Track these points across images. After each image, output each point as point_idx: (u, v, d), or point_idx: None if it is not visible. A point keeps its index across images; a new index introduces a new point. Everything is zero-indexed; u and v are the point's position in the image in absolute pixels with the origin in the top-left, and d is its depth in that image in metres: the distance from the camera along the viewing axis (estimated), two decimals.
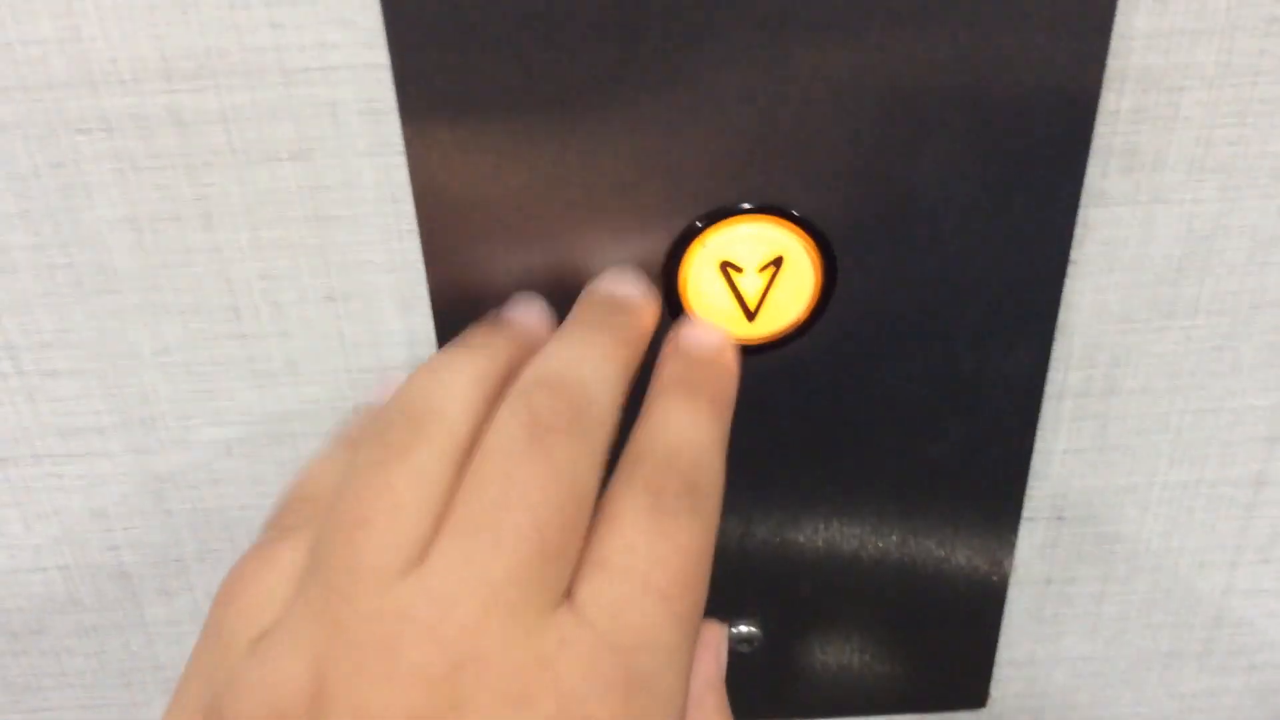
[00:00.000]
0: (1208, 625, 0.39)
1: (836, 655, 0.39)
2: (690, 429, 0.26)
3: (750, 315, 0.31)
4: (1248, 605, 0.39)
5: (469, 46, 0.27)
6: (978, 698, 0.40)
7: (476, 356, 0.26)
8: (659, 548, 0.24)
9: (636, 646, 0.23)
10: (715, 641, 0.29)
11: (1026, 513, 0.36)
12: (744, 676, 0.39)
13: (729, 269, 0.30)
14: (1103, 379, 0.33)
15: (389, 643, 0.22)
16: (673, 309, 0.31)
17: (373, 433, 0.25)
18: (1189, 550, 0.37)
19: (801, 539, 0.36)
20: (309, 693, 0.22)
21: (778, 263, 0.30)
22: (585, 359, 0.26)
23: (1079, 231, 0.31)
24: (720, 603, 0.37)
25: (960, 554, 0.36)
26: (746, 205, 0.30)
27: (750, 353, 0.32)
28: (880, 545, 0.36)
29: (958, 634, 0.38)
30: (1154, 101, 0.29)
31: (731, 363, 0.28)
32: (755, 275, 0.31)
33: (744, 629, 0.38)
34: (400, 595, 0.22)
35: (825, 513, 0.35)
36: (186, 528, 0.35)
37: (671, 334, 0.29)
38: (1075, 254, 0.31)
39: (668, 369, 0.28)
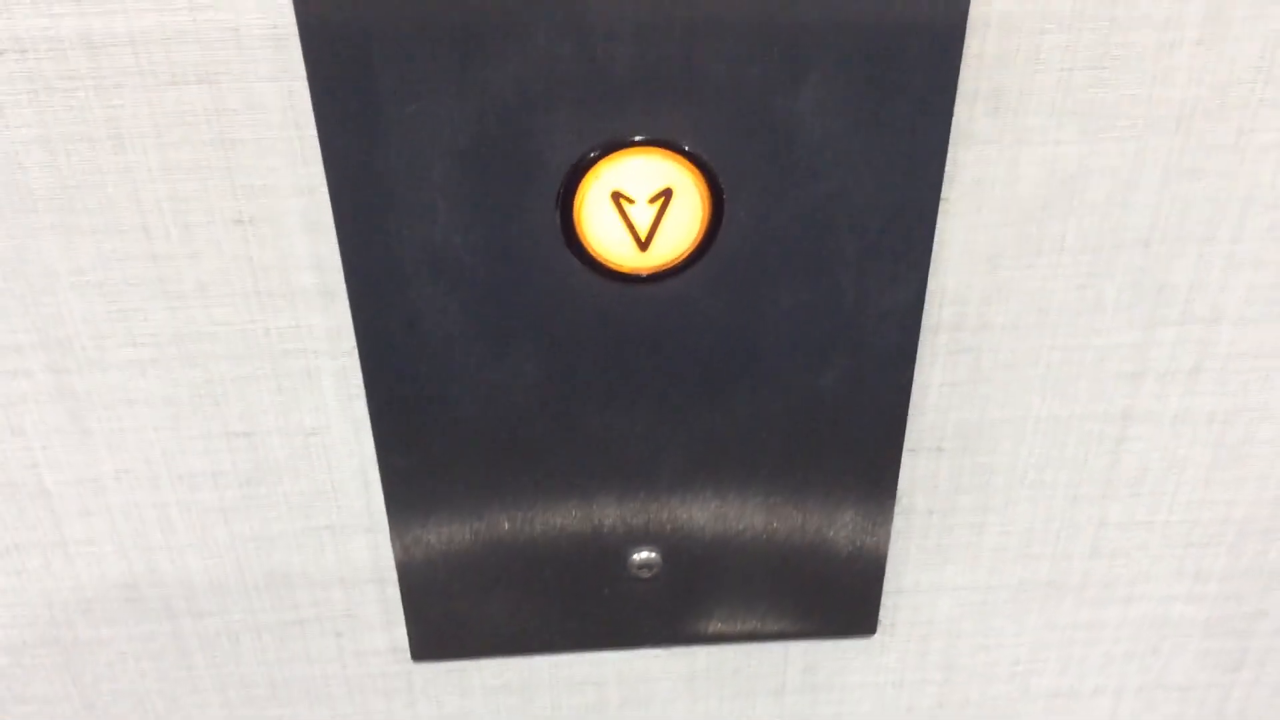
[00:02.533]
0: (1084, 557, 0.41)
1: (732, 583, 0.41)
2: None
3: (643, 245, 0.33)
4: (1121, 537, 0.41)
5: None
6: (867, 625, 0.42)
7: None
8: None
9: None
10: None
11: (908, 444, 0.38)
12: (644, 603, 0.41)
13: (621, 199, 0.32)
14: (975, 314, 0.35)
15: None
16: (569, 239, 0.32)
17: None
18: (1063, 483, 0.39)
19: (696, 468, 0.38)
20: None
21: (667, 194, 0.32)
22: None
23: (949, 170, 0.32)
24: (619, 530, 0.39)
25: (847, 484, 0.38)
26: (638, 138, 0.31)
27: (644, 281, 0.33)
28: (770, 475, 0.38)
29: (846, 563, 0.40)
30: (1015, 45, 0.31)
31: None
32: (646, 206, 0.32)
33: (644, 555, 0.39)
34: None
35: (718, 442, 0.37)
36: (104, 447, 0.36)
37: None
38: (946, 192, 0.33)
39: None
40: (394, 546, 0.39)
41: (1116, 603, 0.43)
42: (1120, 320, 0.35)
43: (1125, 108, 0.32)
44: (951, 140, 0.32)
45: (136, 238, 0.32)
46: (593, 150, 0.31)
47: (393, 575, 0.40)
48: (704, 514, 0.39)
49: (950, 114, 0.31)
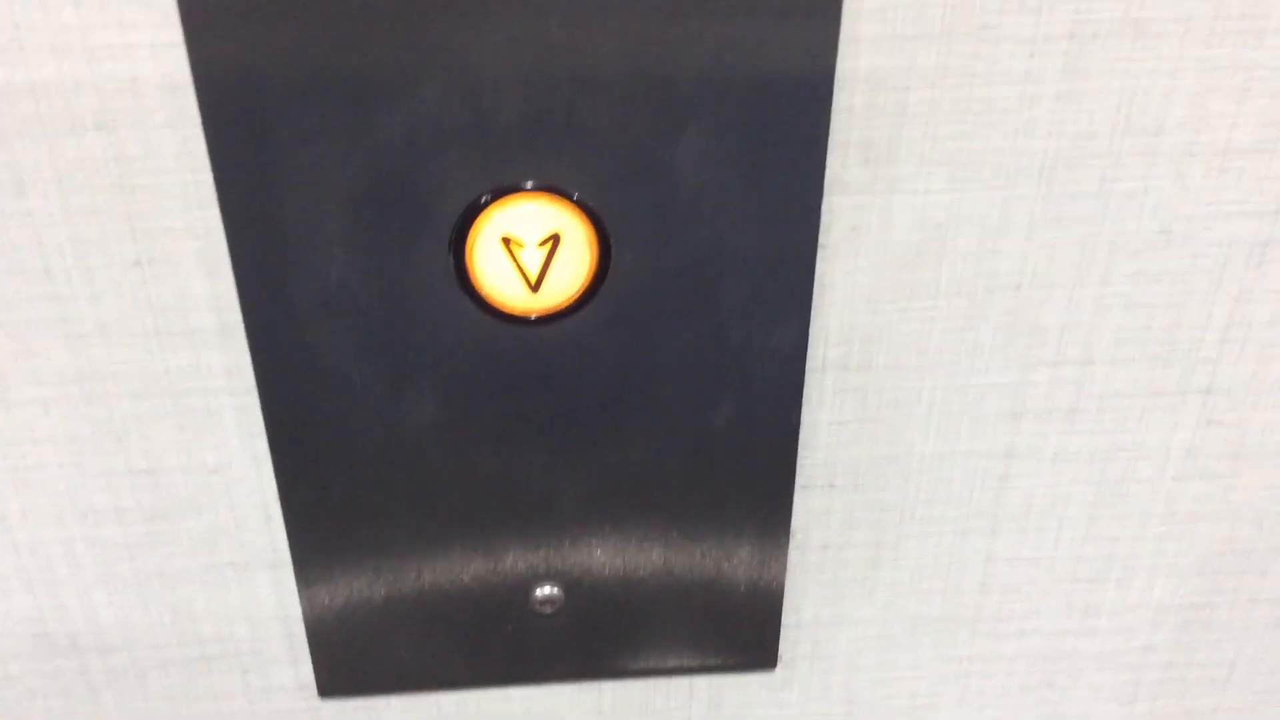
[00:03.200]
0: (975, 591, 0.42)
1: (634, 618, 0.42)
2: None
3: (534, 287, 0.34)
4: (1010, 572, 0.42)
5: (259, 25, 0.30)
6: (768, 659, 0.43)
7: None
8: None
9: None
10: None
11: (801, 480, 0.39)
12: (548, 639, 0.42)
13: (511, 244, 0.33)
14: (859, 355, 0.36)
15: None
16: (462, 281, 0.34)
17: None
18: (950, 518, 0.40)
19: (594, 505, 0.39)
20: None
21: (555, 239, 0.33)
22: None
23: (825, 218, 0.34)
24: (521, 566, 0.40)
25: (741, 520, 0.39)
26: (528, 184, 0.33)
27: (536, 323, 0.35)
28: (666, 511, 0.39)
29: (745, 597, 0.41)
30: (883, 100, 0.32)
31: None
32: (535, 249, 0.33)
33: (546, 591, 0.40)
34: None
35: (615, 480, 0.38)
36: (9, 484, 0.37)
37: None
38: (824, 239, 0.34)
39: None
40: (298, 582, 0.39)
41: (1010, 636, 0.44)
42: (997, 360, 0.37)
43: (990, 158, 0.33)
44: (826, 188, 0.33)
45: (39, 279, 0.33)
46: (483, 195, 0.33)
47: (298, 611, 0.40)
48: (604, 550, 0.40)
49: (823, 164, 0.32)
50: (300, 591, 0.40)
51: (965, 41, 0.31)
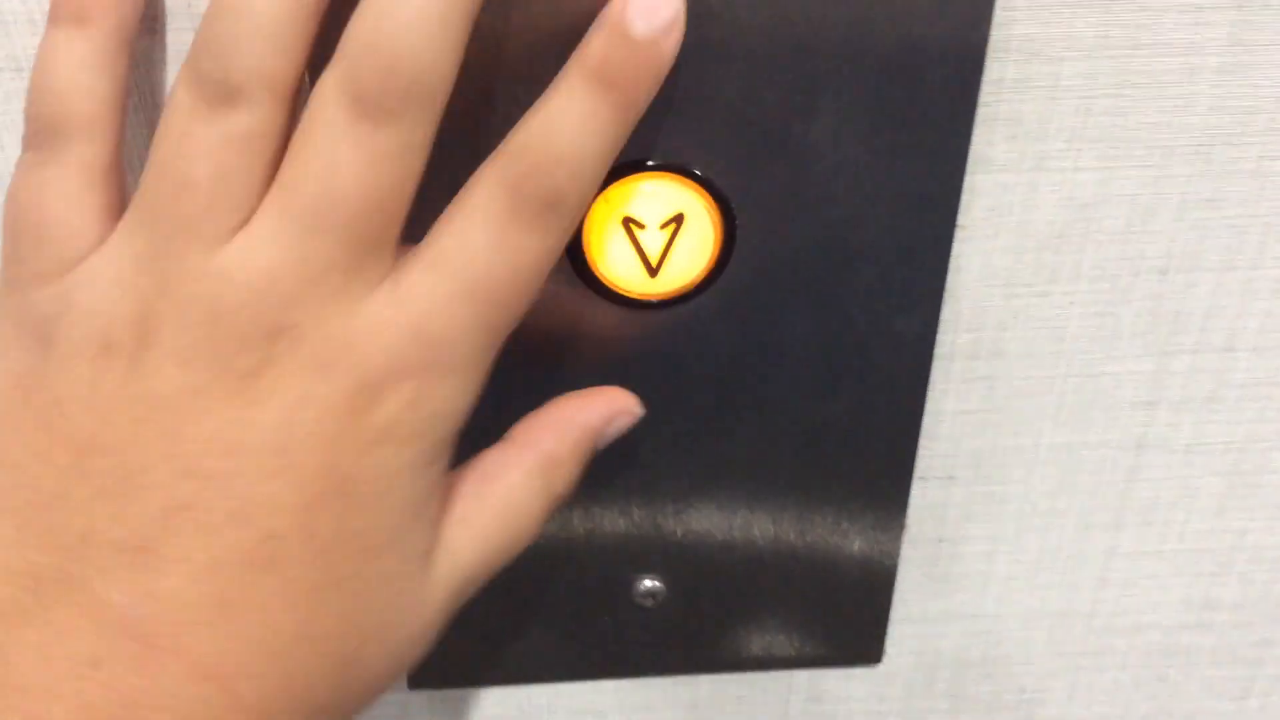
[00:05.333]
0: (1093, 586, 0.41)
1: (737, 611, 0.40)
2: (582, 135, 0.25)
3: (653, 271, 0.32)
4: (1131, 567, 0.40)
5: None
6: (874, 654, 0.42)
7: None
8: (497, 256, 0.25)
9: (441, 342, 0.25)
10: (617, 404, 0.31)
11: (919, 471, 0.37)
12: (648, 631, 0.40)
13: (631, 224, 0.31)
14: (990, 342, 0.34)
15: (213, 301, 0.24)
16: (577, 265, 0.32)
17: (190, 80, 0.25)
18: (1074, 511, 0.39)
19: (702, 495, 0.37)
20: (136, 331, 0.24)
21: (679, 220, 0.31)
22: (416, 19, 0.23)
23: (966, 197, 0.32)
24: (624, 558, 0.38)
25: (855, 513, 0.37)
26: (650, 162, 0.31)
27: (653, 308, 0.33)
28: (778, 502, 0.37)
29: (853, 591, 0.40)
30: (1036, 71, 0.30)
31: (667, 52, 0.25)
32: (657, 231, 0.31)
33: (648, 584, 0.39)
34: (226, 259, 0.24)
35: (725, 469, 0.36)
36: None
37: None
38: (963, 219, 0.32)
39: (590, 47, 0.25)
40: None
41: (1125, 631, 0.42)
42: (1135, 347, 0.35)
43: (1144, 134, 0.31)
44: (969, 166, 0.31)
45: None
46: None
47: None
48: (710, 541, 0.38)
49: (968, 140, 0.30)
50: None
51: (1128, 9, 0.29)
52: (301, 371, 0.24)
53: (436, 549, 0.28)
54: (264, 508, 0.25)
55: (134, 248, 0.25)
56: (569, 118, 0.25)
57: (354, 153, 0.24)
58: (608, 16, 0.25)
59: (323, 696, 0.26)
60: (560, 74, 0.26)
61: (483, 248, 0.25)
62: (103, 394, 0.24)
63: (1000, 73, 0.30)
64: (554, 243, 0.26)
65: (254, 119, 0.24)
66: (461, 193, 0.26)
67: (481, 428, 0.34)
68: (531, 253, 0.26)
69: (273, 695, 0.25)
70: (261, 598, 0.25)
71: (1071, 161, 0.31)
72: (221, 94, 0.24)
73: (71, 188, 0.25)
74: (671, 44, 0.25)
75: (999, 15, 0.29)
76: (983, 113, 0.31)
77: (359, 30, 0.24)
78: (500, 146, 0.26)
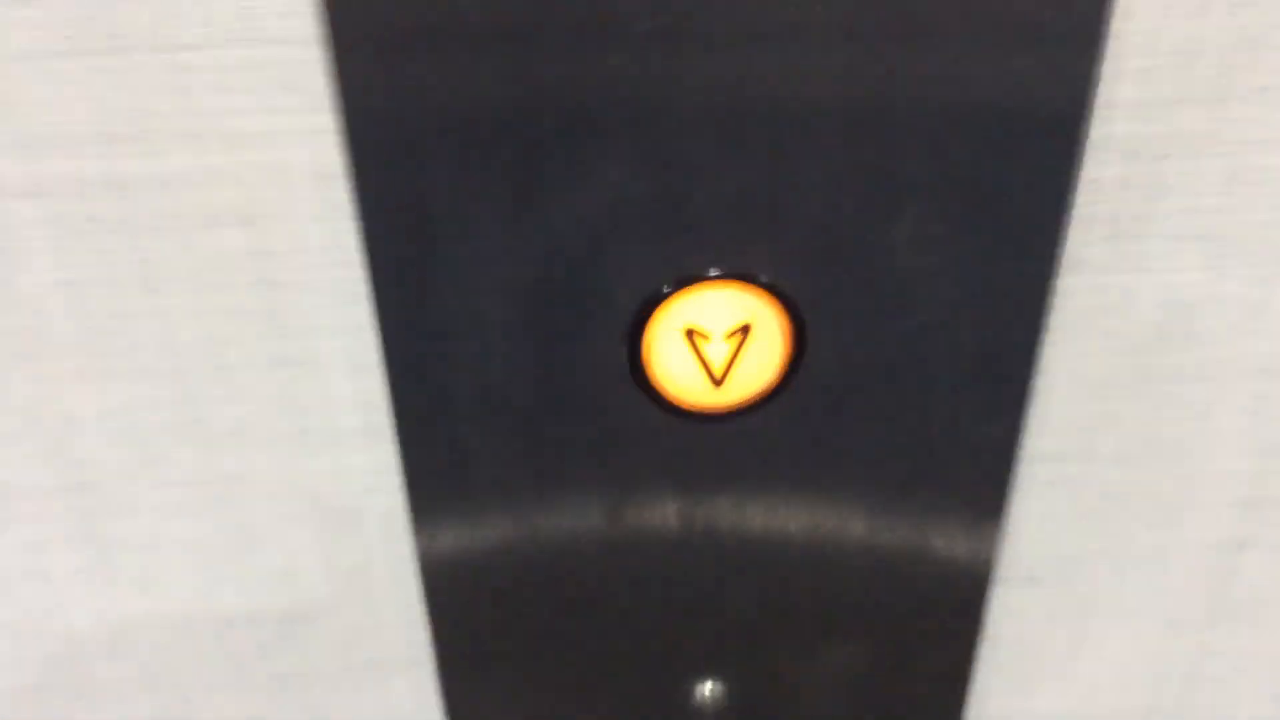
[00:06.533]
0: (1180, 682, 0.38)
1: (808, 710, 0.38)
2: None
3: (717, 382, 0.30)
4: (1220, 664, 0.38)
5: (425, 111, 0.25)
6: None
7: None
8: None
9: None
10: None
11: (1000, 573, 0.35)
12: None
13: (695, 336, 0.29)
14: (1077, 444, 0.32)
15: None
16: (637, 376, 0.30)
17: None
18: (1163, 610, 0.36)
19: (773, 600, 0.35)
20: None
21: (745, 330, 0.29)
22: None
23: (1059, 299, 0.29)
24: (684, 665, 0.36)
25: (930, 619, 0.35)
26: (715, 272, 0.29)
27: (717, 420, 0.31)
28: (855, 603, 0.35)
29: (927, 694, 0.37)
30: (1137, 171, 0.28)
31: None
32: (722, 342, 0.29)
33: (710, 689, 0.37)
34: None
35: (796, 575, 0.34)
36: (137, 588, 0.34)
37: None
38: (1054, 320, 0.30)
39: None
40: (441, 684, 0.36)
41: None
42: (1233, 447, 0.33)
43: (1255, 232, 0.29)
44: (1063, 267, 0.29)
45: (169, 380, 0.29)
46: (665, 285, 0.29)
47: (437, 715, 0.37)
48: (780, 644, 0.36)
49: (1060, 244, 0.28)
50: (443, 692, 0.36)
51: (1242, 105, 0.27)
52: None
53: None
54: None
55: None
56: None
57: None
58: None
59: None
60: None
61: None
62: None
63: (1098, 172, 0.28)
64: None
65: None
66: None
67: (526, 541, 0.33)
68: None
69: None
70: None
71: (1174, 262, 0.29)
72: None
73: None
74: None
75: (1097, 114, 0.27)
76: (1080, 213, 0.28)
77: None
78: None
